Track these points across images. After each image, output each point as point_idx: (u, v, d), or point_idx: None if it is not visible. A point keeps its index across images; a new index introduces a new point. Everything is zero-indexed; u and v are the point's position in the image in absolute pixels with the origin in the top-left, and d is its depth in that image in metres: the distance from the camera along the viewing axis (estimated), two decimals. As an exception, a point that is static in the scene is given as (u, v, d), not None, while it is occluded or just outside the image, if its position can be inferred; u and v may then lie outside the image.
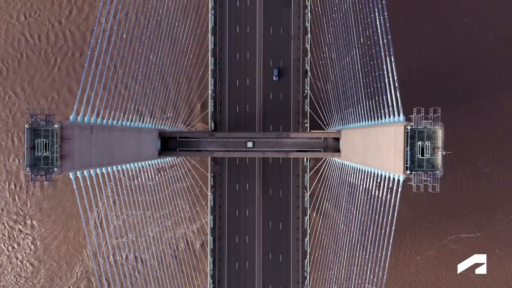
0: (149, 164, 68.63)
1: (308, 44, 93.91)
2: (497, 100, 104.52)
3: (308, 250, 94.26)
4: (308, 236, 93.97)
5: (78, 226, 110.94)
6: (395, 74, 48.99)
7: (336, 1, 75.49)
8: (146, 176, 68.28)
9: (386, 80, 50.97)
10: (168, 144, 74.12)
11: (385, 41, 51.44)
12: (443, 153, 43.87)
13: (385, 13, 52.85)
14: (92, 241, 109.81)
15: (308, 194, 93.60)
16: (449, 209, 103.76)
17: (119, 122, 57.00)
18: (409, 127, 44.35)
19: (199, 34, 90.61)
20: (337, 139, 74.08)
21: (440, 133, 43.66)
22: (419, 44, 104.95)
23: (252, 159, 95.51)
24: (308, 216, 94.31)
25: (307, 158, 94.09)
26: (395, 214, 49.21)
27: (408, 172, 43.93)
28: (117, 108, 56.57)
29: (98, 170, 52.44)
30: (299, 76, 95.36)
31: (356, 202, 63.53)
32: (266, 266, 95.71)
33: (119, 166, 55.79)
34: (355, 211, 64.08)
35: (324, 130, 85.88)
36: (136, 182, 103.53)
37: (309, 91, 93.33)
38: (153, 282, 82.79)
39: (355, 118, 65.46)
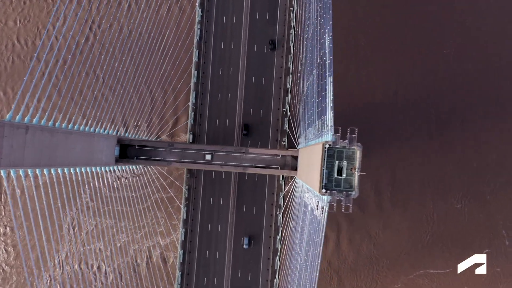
0: (106, 171, 69.24)
1: (290, 63, 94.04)
2: (474, 133, 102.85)
3: (277, 269, 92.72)
4: (278, 255, 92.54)
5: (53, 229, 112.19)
6: (331, 94, 48.48)
7: (308, 21, 75.80)
8: (102, 182, 68.88)
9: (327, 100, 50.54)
10: (127, 151, 74.80)
11: (328, 61, 51.19)
12: (359, 174, 42.89)
13: (331, 34, 52.69)
14: (63, 246, 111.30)
15: (281, 213, 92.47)
16: (419, 243, 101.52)
17: (69, 125, 57.83)
18: (327, 146, 43.74)
19: (180, 48, 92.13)
20: (295, 158, 73.49)
21: (358, 153, 42.80)
22: (400, 71, 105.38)
23: (228, 174, 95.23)
24: (280, 235, 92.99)
25: (282, 176, 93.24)
26: (323, 234, 48.04)
27: (324, 190, 43.14)
28: (67, 111, 57.71)
29: (37, 171, 53.28)
30: (280, 95, 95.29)
31: (305, 221, 62.66)
32: (235, 284, 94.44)
33: (65, 169, 56.44)
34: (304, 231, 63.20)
35: (296, 148, 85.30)
36: (113, 193, 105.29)
37: (288, 110, 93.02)
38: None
39: (310, 137, 64.93)
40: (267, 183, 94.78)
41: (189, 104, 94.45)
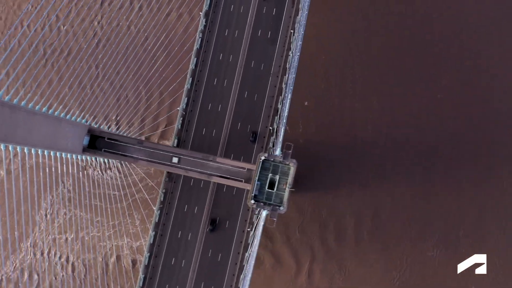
0: (72, 158, 68.80)
1: (284, 83, 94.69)
2: (458, 181, 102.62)
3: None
4: (243, 271, 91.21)
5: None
6: (284, 115, 48.83)
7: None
8: (66, 168, 68.77)
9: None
10: (96, 143, 74.76)
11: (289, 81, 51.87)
12: (289, 189, 42.53)
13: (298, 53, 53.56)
14: (34, 231, 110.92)
15: (252, 230, 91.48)
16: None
17: (36, 106, 58.14)
18: (262, 157, 43.66)
19: (177, 52, 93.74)
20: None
21: (292, 170, 42.64)
22: (393, 110, 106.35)
23: (206, 184, 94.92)
24: (248, 252, 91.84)
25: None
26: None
27: (252, 201, 42.86)
28: (36, 93, 58.46)
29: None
30: (269, 113, 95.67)
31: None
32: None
33: (25, 148, 56.40)
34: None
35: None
36: (96, 189, 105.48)
37: (274, 129, 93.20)
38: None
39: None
40: (244, 197, 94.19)
41: (179, 108, 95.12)
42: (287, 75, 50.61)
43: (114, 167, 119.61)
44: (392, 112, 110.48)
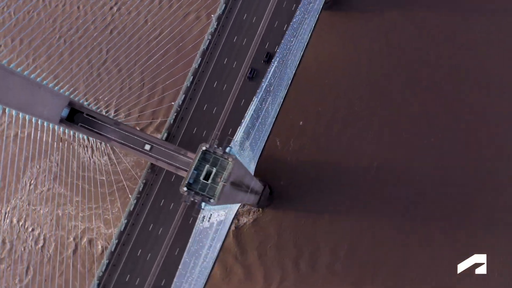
0: (51, 127, 68.63)
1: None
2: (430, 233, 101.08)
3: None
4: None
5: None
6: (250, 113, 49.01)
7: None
8: (39, 135, 68.98)
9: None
10: (75, 117, 74.65)
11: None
12: (223, 184, 42.13)
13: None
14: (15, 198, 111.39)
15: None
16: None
17: (18, 69, 58.58)
18: (203, 148, 43.51)
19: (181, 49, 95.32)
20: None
21: (230, 166, 42.22)
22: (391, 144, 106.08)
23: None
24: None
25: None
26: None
27: (185, 189, 42.57)
28: (20, 54, 59.53)
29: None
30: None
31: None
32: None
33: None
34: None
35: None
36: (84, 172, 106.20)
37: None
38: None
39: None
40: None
41: (173, 103, 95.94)
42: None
43: (106, 154, 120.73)
44: (387, 147, 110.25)
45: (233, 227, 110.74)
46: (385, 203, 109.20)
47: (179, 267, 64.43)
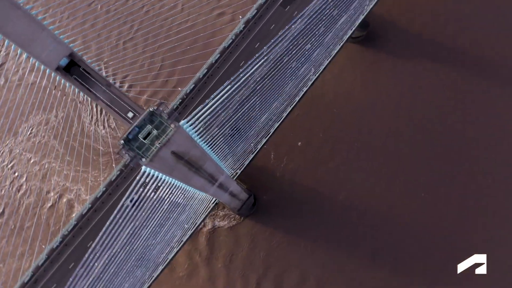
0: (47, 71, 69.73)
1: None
2: None
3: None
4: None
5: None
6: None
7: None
8: (45, 83, 70.67)
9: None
10: (72, 69, 75.50)
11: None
12: (159, 147, 41.41)
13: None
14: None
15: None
16: None
17: (27, 6, 60.08)
18: (151, 109, 43.14)
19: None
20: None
21: (171, 132, 41.56)
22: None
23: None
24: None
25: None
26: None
27: (122, 142, 42.22)
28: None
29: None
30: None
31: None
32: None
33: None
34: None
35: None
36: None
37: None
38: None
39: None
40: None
41: (181, 89, 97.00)
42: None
43: (108, 126, 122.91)
44: (381, 195, 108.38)
45: (209, 227, 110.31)
46: (364, 249, 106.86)
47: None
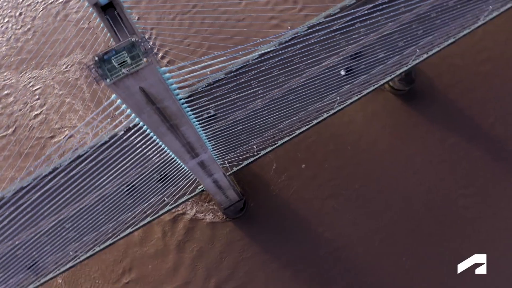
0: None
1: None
2: None
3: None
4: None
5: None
6: None
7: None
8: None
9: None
10: (107, 10, 76.33)
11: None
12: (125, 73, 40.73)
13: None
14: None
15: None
16: None
17: None
18: (133, 39, 42.41)
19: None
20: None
21: (142, 64, 40.66)
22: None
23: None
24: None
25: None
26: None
27: (96, 59, 41.91)
28: None
29: None
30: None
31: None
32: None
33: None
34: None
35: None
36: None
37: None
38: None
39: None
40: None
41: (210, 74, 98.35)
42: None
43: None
44: (371, 251, 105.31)
45: (191, 215, 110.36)
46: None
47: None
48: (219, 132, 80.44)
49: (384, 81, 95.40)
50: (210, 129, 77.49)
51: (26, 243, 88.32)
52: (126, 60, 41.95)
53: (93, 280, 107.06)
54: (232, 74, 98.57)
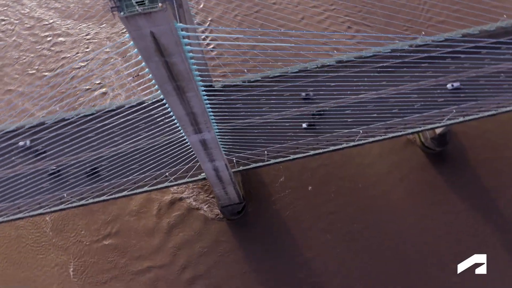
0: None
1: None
2: None
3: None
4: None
5: None
6: None
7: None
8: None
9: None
10: None
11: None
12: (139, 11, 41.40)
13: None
14: None
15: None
16: None
17: None
18: None
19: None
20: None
21: (155, 8, 41.11)
22: None
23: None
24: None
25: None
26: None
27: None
28: None
29: None
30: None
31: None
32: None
33: None
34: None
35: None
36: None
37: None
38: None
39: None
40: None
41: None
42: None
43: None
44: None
45: (189, 202, 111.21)
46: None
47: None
48: (232, 129, 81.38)
49: (412, 131, 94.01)
50: (225, 124, 78.51)
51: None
52: (144, 1, 43.57)
53: (78, 230, 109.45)
54: (269, 79, 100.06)
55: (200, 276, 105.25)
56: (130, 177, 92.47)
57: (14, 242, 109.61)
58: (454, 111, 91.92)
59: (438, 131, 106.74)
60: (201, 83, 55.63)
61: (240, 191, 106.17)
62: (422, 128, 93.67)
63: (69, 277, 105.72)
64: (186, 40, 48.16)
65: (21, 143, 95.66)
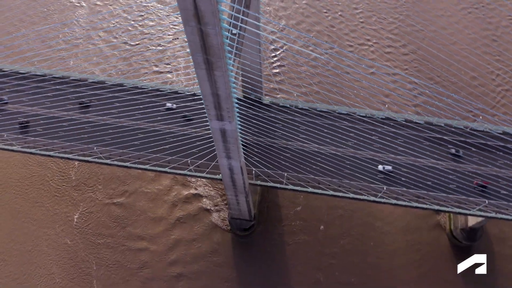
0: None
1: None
2: None
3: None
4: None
5: None
6: None
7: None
8: None
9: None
10: None
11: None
12: None
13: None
14: None
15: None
16: None
17: None
18: None
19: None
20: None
21: None
22: None
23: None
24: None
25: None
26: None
27: None
28: None
29: None
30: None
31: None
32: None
33: None
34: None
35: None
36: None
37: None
38: None
39: None
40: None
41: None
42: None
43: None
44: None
45: (206, 203, 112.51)
46: None
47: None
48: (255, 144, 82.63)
49: (437, 208, 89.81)
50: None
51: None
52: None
53: (96, 181, 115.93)
54: (316, 111, 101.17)
55: (186, 275, 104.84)
56: (156, 155, 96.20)
57: (38, 178, 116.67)
58: (486, 201, 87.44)
59: (470, 223, 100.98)
60: (230, 61, 57.21)
61: (253, 209, 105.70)
62: (447, 209, 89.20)
63: (72, 222, 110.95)
64: (224, 17, 50.07)
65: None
